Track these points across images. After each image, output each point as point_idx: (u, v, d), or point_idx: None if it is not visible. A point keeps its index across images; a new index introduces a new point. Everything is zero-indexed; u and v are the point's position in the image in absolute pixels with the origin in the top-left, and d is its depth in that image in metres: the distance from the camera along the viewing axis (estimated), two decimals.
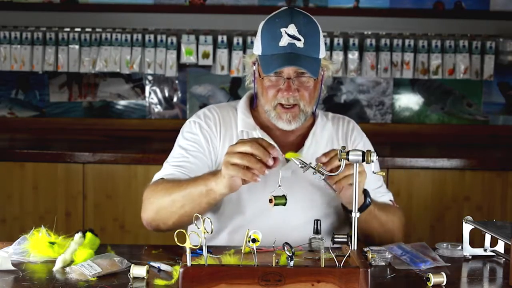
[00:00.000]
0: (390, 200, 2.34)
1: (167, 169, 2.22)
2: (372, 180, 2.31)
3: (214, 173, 2.03)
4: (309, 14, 2.18)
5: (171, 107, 4.26)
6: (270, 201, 1.99)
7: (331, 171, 1.97)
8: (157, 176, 2.24)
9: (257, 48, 2.17)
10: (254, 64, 2.22)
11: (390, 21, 4.15)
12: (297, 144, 2.26)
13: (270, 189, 1.94)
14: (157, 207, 2.14)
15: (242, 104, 2.31)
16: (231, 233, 2.21)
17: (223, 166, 1.94)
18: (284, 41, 2.10)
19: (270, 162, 1.91)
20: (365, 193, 2.09)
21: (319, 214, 2.19)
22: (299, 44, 2.10)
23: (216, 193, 2.01)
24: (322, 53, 2.17)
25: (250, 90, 2.31)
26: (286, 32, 2.10)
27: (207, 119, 2.27)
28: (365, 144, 2.35)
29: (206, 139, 2.24)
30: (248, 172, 1.92)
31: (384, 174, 2.07)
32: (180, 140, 2.29)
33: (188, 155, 2.23)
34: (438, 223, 3.72)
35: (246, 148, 1.91)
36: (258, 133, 2.24)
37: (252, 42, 3.95)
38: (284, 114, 2.16)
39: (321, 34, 2.17)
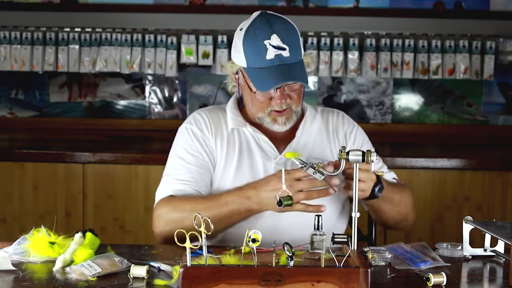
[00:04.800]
0: (394, 178, 2.36)
1: (174, 184, 2.23)
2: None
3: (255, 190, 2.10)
4: (282, 16, 2.20)
5: (171, 107, 4.25)
6: (278, 203, 2.00)
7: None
8: (162, 191, 2.23)
9: (241, 61, 2.18)
10: (236, 73, 2.25)
11: (390, 21, 4.15)
12: (288, 136, 2.30)
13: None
14: (185, 226, 2.07)
15: (230, 104, 2.36)
16: (229, 232, 2.21)
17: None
18: (271, 54, 2.12)
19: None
20: (377, 179, 2.09)
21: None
22: (286, 54, 2.13)
23: (258, 210, 2.14)
24: (302, 51, 2.19)
25: (234, 93, 2.36)
26: (270, 44, 2.12)
27: (198, 122, 2.32)
28: (357, 132, 2.39)
29: (201, 144, 2.29)
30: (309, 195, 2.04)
31: (383, 174, 2.07)
32: (177, 150, 2.31)
33: (189, 166, 2.25)
34: (438, 223, 3.71)
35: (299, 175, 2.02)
36: (248, 129, 2.30)
37: None
38: (279, 118, 2.22)
39: (299, 33, 2.19)
